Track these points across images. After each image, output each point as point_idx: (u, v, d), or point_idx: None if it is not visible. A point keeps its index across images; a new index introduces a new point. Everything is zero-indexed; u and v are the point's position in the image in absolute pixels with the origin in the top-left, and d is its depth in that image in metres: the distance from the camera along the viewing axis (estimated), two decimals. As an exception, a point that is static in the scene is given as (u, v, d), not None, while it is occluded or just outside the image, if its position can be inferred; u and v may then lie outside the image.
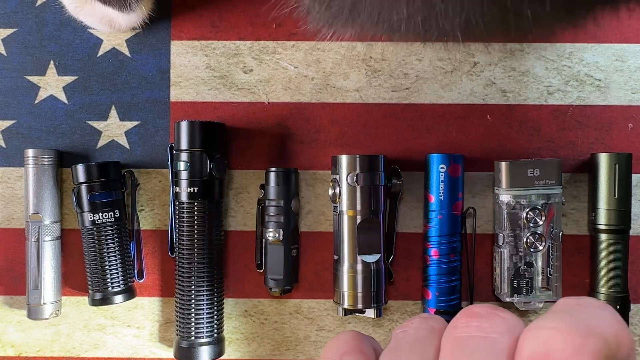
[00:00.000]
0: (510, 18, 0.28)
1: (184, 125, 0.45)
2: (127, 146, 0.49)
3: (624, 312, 0.45)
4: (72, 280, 0.49)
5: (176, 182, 0.46)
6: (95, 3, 0.45)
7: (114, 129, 0.49)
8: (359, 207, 0.45)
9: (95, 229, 0.46)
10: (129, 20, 0.47)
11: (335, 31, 0.38)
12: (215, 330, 0.46)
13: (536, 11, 0.27)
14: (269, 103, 0.49)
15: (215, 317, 0.46)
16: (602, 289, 0.46)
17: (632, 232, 0.47)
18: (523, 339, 0.19)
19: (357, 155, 0.45)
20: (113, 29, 0.48)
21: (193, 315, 0.45)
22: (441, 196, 0.46)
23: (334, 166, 0.46)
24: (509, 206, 0.45)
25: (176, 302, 0.46)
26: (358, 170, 0.45)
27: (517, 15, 0.27)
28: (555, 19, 0.31)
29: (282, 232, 0.46)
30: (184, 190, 0.45)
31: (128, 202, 0.49)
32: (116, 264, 0.47)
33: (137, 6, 0.45)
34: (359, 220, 0.45)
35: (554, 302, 0.47)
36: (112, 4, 0.44)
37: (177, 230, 0.46)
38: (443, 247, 0.46)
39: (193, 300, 0.45)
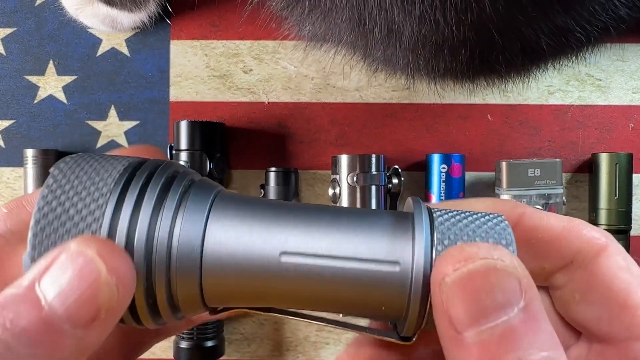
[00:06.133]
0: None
1: (183, 125, 0.45)
2: (127, 146, 0.49)
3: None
4: (71, 280, 0.49)
5: (176, 182, 0.46)
6: (99, 4, 0.45)
7: (113, 129, 0.49)
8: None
9: (94, 229, 0.46)
10: (132, 20, 0.47)
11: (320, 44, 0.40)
12: (215, 331, 0.46)
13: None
14: (268, 103, 0.48)
15: (215, 317, 0.46)
16: (603, 289, 0.46)
17: (632, 233, 0.47)
18: None
19: (357, 155, 0.45)
20: (115, 29, 0.48)
21: (193, 315, 0.45)
22: (442, 196, 0.46)
23: (334, 166, 0.46)
24: (510, 206, 0.45)
25: (176, 302, 0.46)
26: (358, 170, 0.44)
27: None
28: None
29: (282, 232, 0.46)
30: (183, 190, 0.45)
31: (127, 202, 0.49)
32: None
33: (144, 6, 0.45)
34: (359, 221, 0.45)
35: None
36: (119, 4, 0.44)
37: (176, 231, 0.46)
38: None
39: (193, 301, 0.45)
